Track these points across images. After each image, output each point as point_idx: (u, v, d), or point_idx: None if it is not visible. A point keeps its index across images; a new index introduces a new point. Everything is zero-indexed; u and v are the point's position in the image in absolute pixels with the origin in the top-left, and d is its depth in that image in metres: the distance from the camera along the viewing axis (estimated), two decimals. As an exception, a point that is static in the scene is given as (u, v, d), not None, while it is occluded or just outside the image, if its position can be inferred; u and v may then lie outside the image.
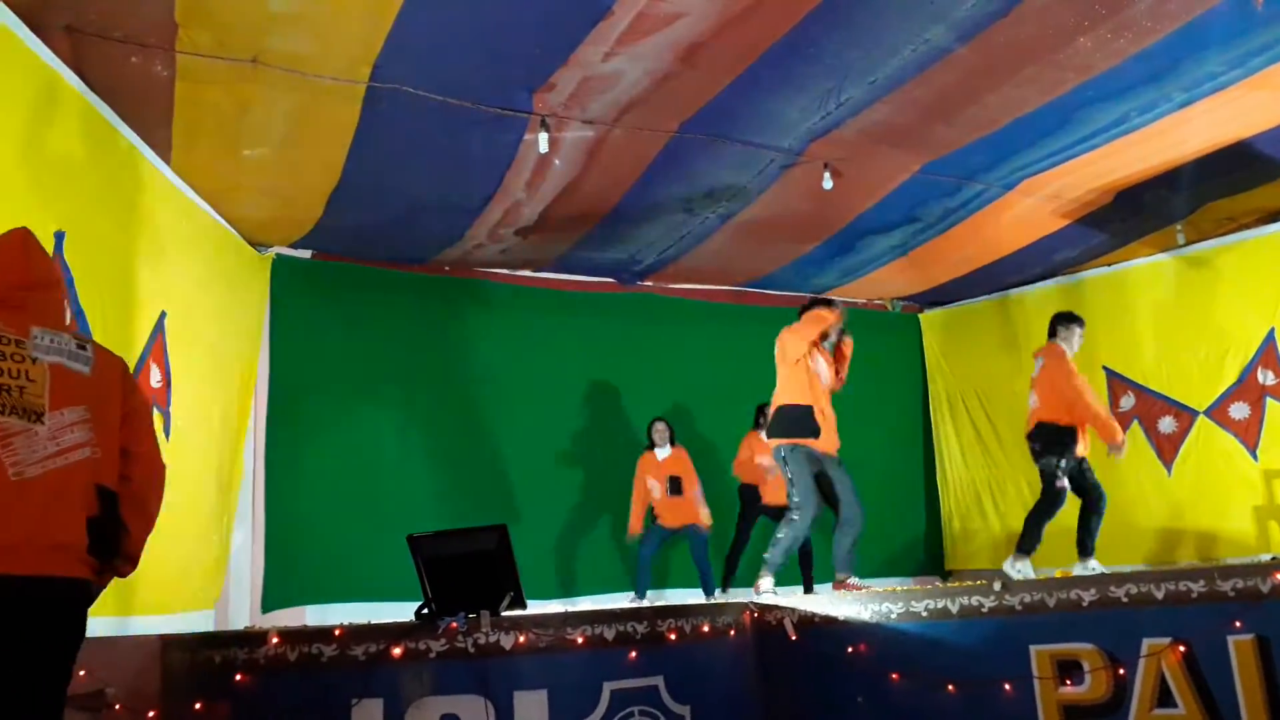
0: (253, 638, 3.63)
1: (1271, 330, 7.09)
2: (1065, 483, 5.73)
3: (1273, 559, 5.60)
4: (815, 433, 5.43)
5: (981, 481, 8.66)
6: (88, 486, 2.44)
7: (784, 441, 5.43)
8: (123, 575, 2.67)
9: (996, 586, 4.38)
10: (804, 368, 5.52)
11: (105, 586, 2.65)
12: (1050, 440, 5.76)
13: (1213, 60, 4.98)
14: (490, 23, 4.41)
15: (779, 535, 5.43)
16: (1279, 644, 3.90)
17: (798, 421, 5.45)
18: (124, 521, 2.57)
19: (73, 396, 2.46)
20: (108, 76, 4.34)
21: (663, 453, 7.09)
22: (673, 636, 4.02)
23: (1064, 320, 6.02)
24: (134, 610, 4.47)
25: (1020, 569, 5.61)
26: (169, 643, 3.65)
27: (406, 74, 4.71)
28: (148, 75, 4.43)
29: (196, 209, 5.55)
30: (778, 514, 6.88)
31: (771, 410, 5.58)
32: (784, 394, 5.53)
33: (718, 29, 4.52)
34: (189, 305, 5.28)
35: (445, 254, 7.08)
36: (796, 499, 5.37)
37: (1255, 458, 7.11)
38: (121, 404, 2.63)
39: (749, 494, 7.18)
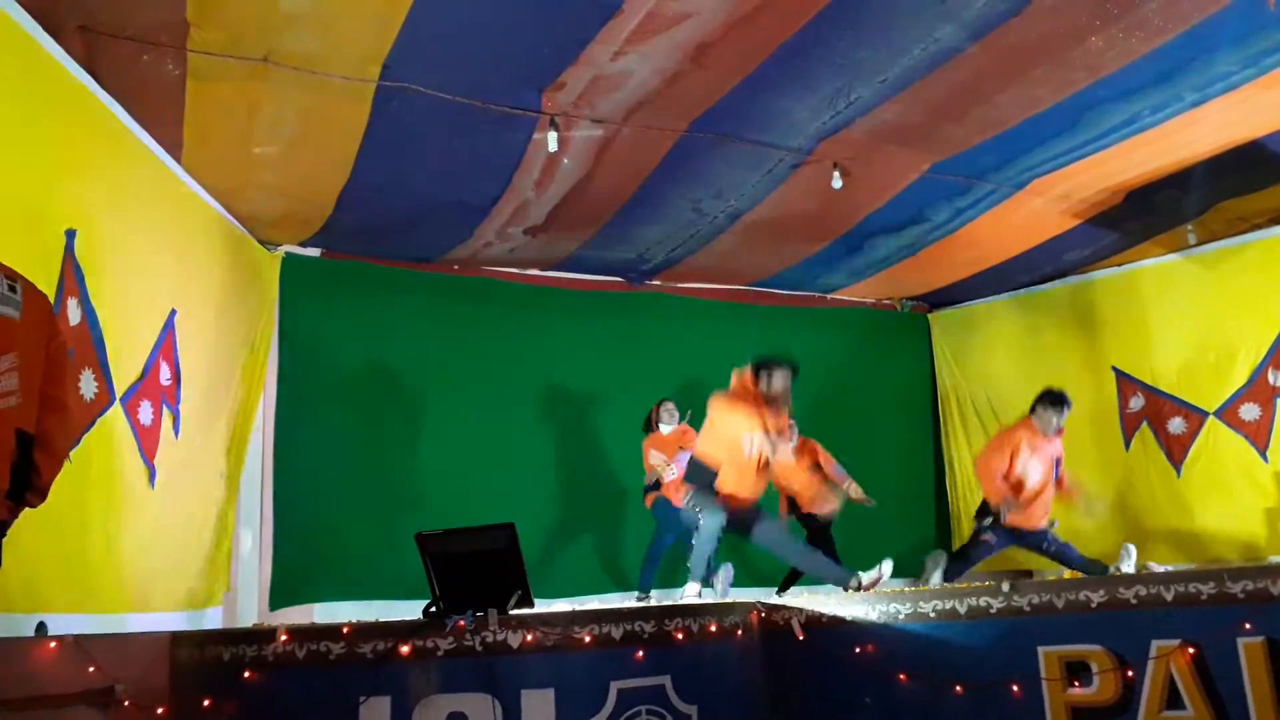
0: (261, 635, 3.63)
1: (1282, 331, 7.07)
2: (990, 537, 6.08)
3: (1283, 561, 5.58)
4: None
5: (990, 482, 8.63)
6: (9, 433, 2.43)
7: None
8: (33, 506, 2.66)
9: (1005, 587, 4.37)
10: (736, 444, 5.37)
11: (15, 519, 2.65)
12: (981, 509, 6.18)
13: (1225, 60, 4.95)
14: (500, 22, 4.42)
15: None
16: (1289, 647, 3.88)
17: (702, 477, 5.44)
18: (35, 462, 2.56)
19: (3, 344, 2.43)
20: (119, 75, 4.36)
21: (668, 428, 6.92)
22: (680, 636, 4.02)
23: (1041, 400, 6.15)
24: (144, 607, 4.50)
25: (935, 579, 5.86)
26: (178, 639, 3.66)
27: (416, 73, 4.72)
28: (159, 74, 4.45)
29: (207, 207, 5.57)
30: (812, 521, 6.85)
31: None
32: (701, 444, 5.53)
33: (727, 28, 4.52)
34: (199, 303, 5.30)
35: (454, 253, 7.09)
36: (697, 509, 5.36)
37: (1265, 459, 7.07)
38: (46, 346, 2.58)
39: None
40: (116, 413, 4.28)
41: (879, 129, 5.55)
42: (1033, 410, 6.15)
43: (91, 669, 3.17)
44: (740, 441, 5.31)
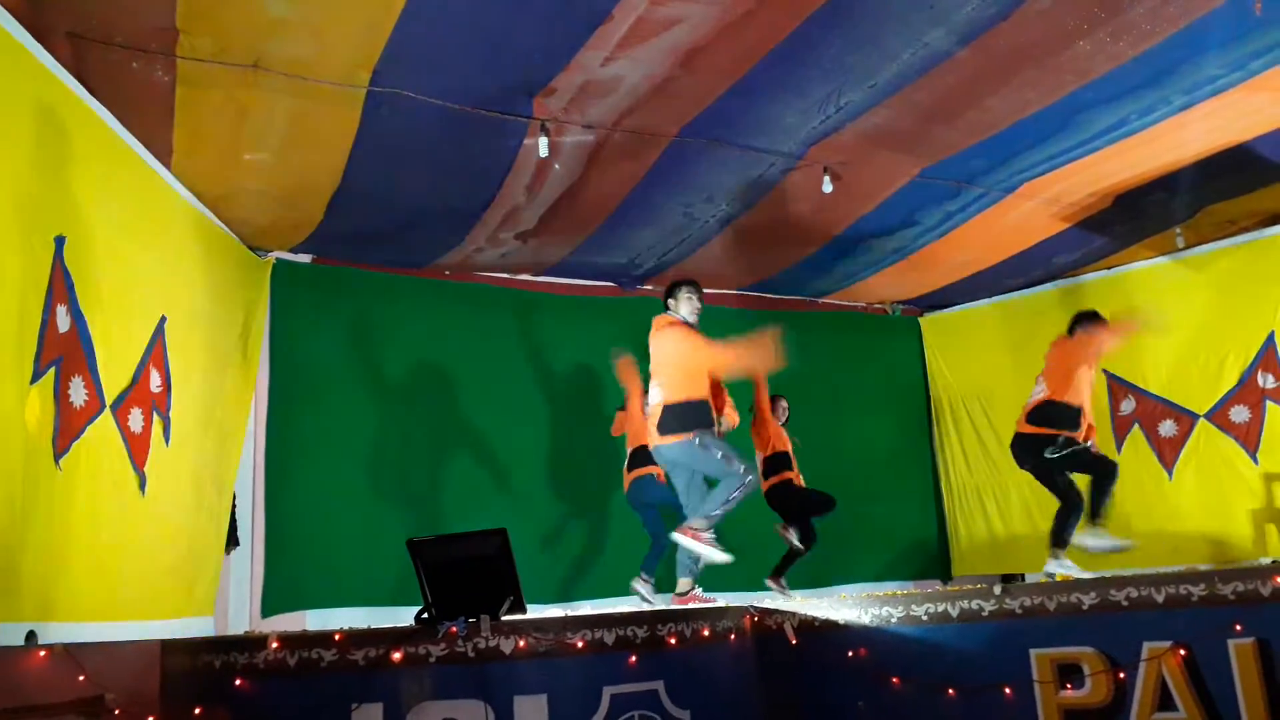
0: (252, 642, 3.63)
1: (1271, 333, 7.09)
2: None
3: (1273, 562, 5.60)
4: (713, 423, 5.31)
5: (984, 485, 8.66)
6: None
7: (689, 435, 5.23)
8: None
9: (996, 590, 4.39)
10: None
11: None
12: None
13: (1212, 63, 4.98)
14: (490, 27, 4.42)
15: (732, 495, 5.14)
16: (1279, 647, 3.90)
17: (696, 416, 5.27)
18: None
19: None
20: (109, 82, 4.35)
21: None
22: (673, 641, 4.03)
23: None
24: (134, 615, 4.48)
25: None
26: (169, 647, 3.65)
27: (406, 78, 4.72)
28: (148, 80, 4.44)
29: (197, 213, 5.55)
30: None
31: (660, 406, 5.27)
32: (682, 390, 5.28)
33: (716, 33, 4.53)
34: (189, 310, 5.28)
35: (446, 258, 7.09)
36: (739, 464, 5.15)
37: (1255, 461, 7.10)
38: None
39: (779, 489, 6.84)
40: (106, 420, 4.26)
41: (869, 133, 5.57)
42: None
43: (81, 678, 3.15)
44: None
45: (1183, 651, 4.01)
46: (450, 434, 7.13)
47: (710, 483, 5.41)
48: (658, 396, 5.34)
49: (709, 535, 5.11)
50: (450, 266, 7.26)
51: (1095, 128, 5.64)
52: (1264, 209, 6.97)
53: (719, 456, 5.17)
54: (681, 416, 5.21)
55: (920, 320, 9.29)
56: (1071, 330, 6.11)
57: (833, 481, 7.85)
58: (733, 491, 5.11)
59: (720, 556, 5.05)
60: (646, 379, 6.58)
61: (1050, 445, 5.76)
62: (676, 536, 5.20)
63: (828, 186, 6.00)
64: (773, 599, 5.90)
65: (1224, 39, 4.77)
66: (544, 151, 5.31)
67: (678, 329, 5.36)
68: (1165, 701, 4.03)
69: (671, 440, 5.22)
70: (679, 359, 5.29)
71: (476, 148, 5.43)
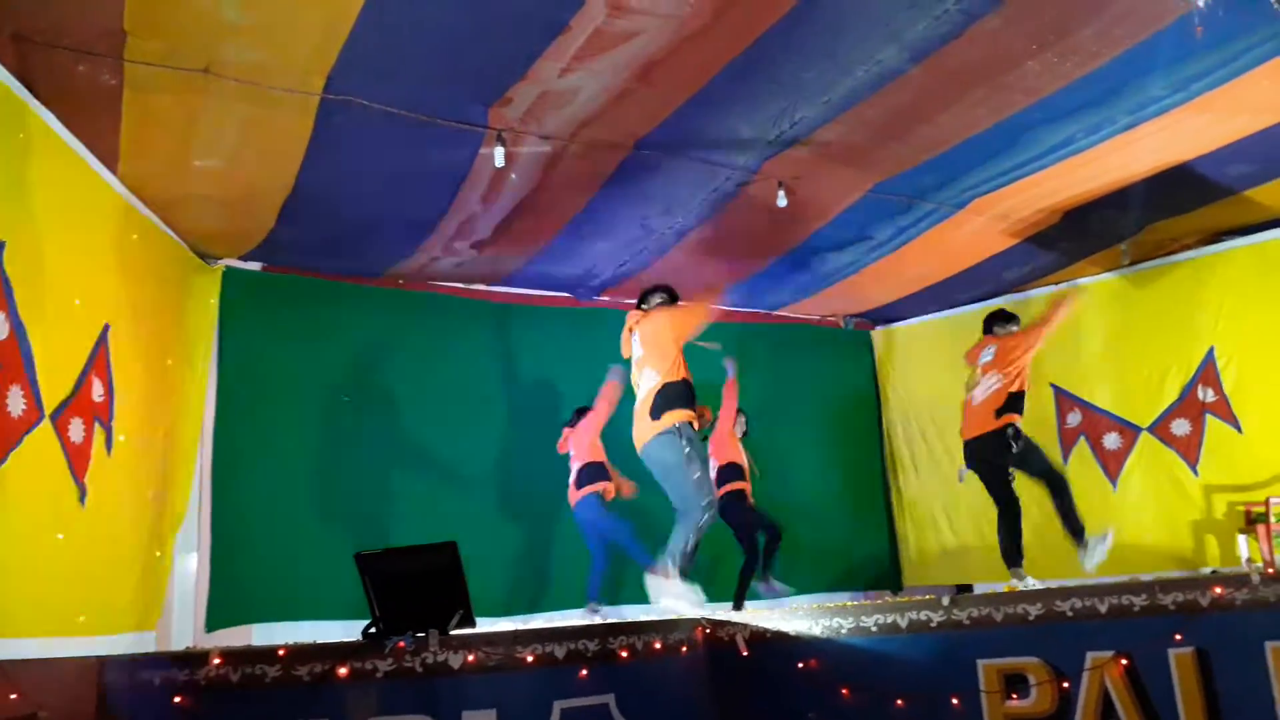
0: (193, 658, 3.55)
1: (1211, 349, 7.26)
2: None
3: (1212, 573, 5.73)
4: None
5: (934, 496, 8.75)
6: None
7: (683, 416, 5.28)
8: None
9: (945, 601, 4.44)
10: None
11: None
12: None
13: (1156, 84, 5.11)
14: (446, 36, 4.40)
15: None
16: (1218, 657, 4.00)
17: (689, 396, 5.36)
18: None
19: None
20: (54, 85, 4.26)
21: None
22: (624, 654, 4.01)
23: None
24: (73, 631, 4.37)
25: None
26: (107, 664, 3.56)
27: (361, 86, 4.68)
28: (95, 84, 4.36)
29: (143, 220, 5.46)
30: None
31: (656, 388, 5.30)
32: (676, 371, 5.39)
33: (674, 47, 4.55)
34: (134, 318, 5.18)
35: (399, 267, 7.03)
36: (705, 497, 5.19)
37: (1196, 473, 7.26)
38: None
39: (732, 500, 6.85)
40: (45, 430, 4.16)
41: (823, 148, 5.62)
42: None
43: (14, 696, 3.07)
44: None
45: (1125, 661, 4.09)
46: (401, 445, 7.05)
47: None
48: (652, 380, 5.36)
49: (682, 582, 5.07)
50: (404, 275, 7.20)
51: (1043, 146, 5.74)
52: (1205, 227, 7.15)
53: (692, 476, 5.17)
54: (678, 394, 5.30)
55: (872, 334, 9.40)
56: (993, 330, 6.14)
57: (785, 493, 7.91)
58: (689, 534, 5.13)
59: (690, 608, 4.96)
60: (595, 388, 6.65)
61: (1008, 437, 5.76)
62: (648, 580, 5.16)
63: (782, 200, 6.05)
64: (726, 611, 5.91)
65: (1168, 61, 4.88)
66: (500, 161, 5.29)
67: (665, 309, 5.57)
68: (1108, 710, 4.09)
69: (662, 427, 5.23)
70: (674, 332, 5.42)
71: (431, 157, 5.39)
